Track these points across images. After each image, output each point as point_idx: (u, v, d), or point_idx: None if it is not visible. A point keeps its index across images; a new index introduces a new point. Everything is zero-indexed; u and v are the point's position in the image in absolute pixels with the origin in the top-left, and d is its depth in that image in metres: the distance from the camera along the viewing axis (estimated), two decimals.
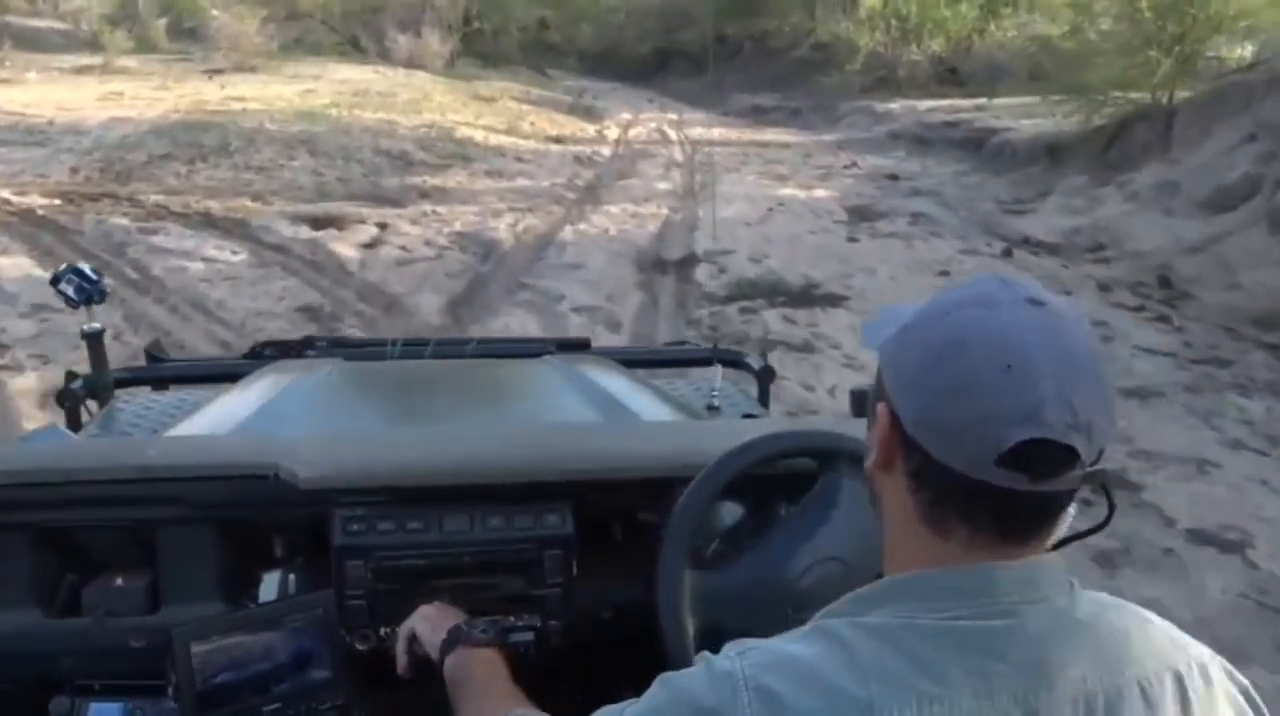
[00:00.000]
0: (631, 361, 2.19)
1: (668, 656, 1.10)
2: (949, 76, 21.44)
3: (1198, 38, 10.67)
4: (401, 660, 1.19)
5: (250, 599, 1.26)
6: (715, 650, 0.81)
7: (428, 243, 8.33)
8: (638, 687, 0.86)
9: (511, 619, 1.25)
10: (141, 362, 2.28)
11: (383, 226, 8.77)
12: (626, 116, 22.41)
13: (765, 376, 2.22)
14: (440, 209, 9.70)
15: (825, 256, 8.51)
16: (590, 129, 19.13)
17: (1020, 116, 15.77)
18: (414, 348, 2.06)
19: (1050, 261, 8.74)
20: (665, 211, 10.46)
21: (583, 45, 47.71)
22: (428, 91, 19.98)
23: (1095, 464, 0.73)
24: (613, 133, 18.79)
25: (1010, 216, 10.76)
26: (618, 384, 1.86)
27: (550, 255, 8.33)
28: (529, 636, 1.25)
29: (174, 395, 2.11)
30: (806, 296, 7.10)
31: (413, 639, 1.19)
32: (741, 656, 0.76)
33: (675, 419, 1.76)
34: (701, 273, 7.86)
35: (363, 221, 8.83)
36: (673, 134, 19.06)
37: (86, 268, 1.80)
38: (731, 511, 1.33)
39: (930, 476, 0.75)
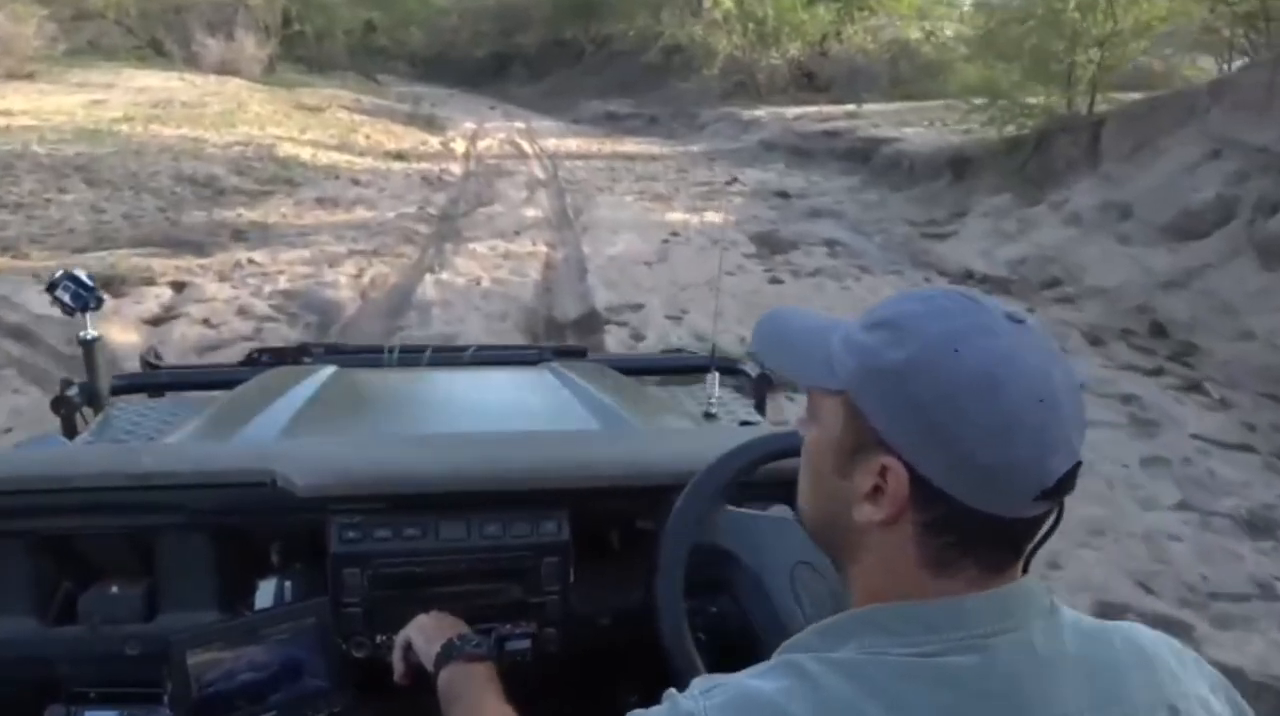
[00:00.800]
0: (629, 368, 2.13)
1: (675, 674, 1.04)
2: (806, 82, 20.30)
3: (1120, 42, 9.59)
4: (397, 669, 1.16)
5: (246, 606, 1.22)
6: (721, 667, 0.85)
7: (242, 311, 6.12)
8: (635, 693, 0.98)
9: (508, 626, 1.20)
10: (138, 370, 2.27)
11: (180, 287, 6.48)
12: (470, 126, 20.26)
13: (762, 384, 2.10)
14: (259, 256, 7.43)
15: (755, 308, 6.79)
16: (434, 142, 16.93)
17: (898, 124, 14.62)
18: (411, 354, 2.01)
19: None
20: (543, 248, 8.52)
21: (414, 49, 45.12)
22: (243, 101, 17.29)
23: None
24: (459, 146, 16.64)
25: (932, 241, 9.36)
26: (615, 391, 1.81)
27: (411, 321, 6.25)
28: (526, 644, 1.21)
29: (170, 402, 2.05)
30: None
31: (408, 648, 1.14)
32: (706, 695, 0.71)
33: (672, 426, 1.72)
34: (612, 340, 6.03)
35: (152, 280, 6.49)
36: (526, 146, 17.09)
37: (82, 273, 1.75)
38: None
39: (954, 523, 0.69)
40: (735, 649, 1.09)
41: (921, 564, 0.70)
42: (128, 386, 2.07)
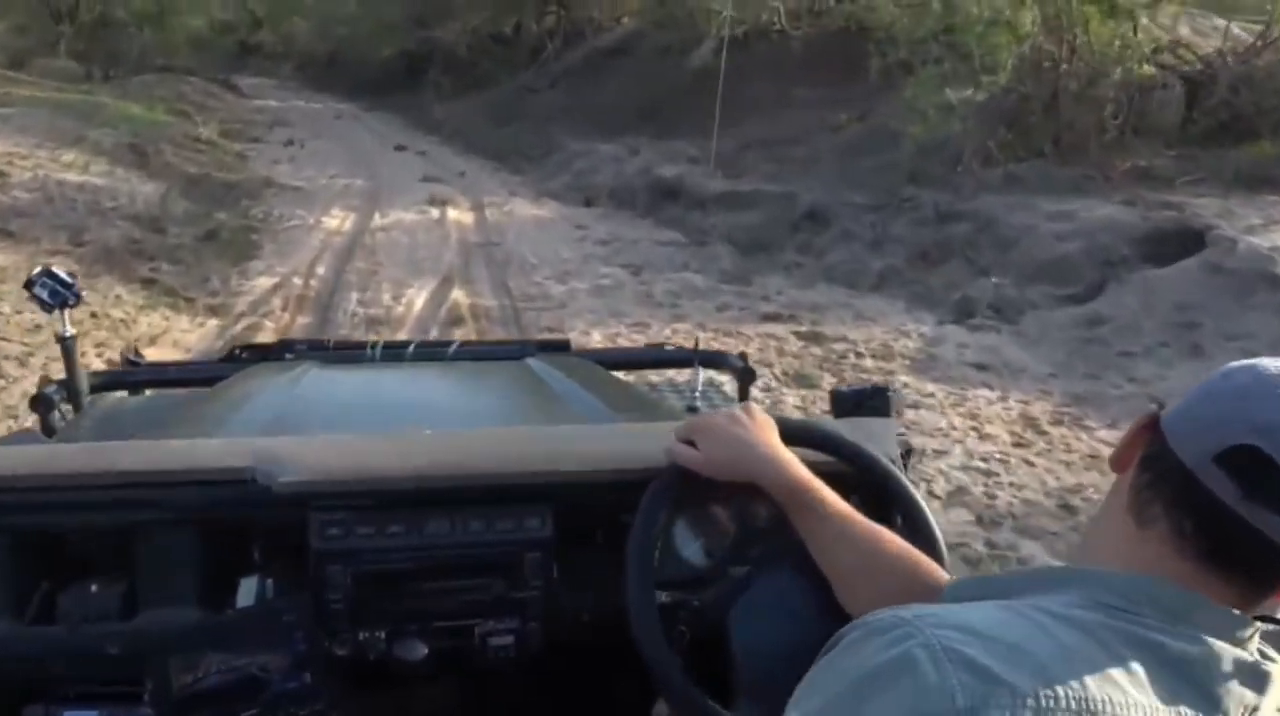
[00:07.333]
0: (613, 362, 1.91)
1: (663, 693, 0.93)
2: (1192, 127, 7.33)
3: None
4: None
5: (228, 604, 1.06)
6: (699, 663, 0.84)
7: None
8: (620, 689, 0.96)
9: (492, 622, 1.07)
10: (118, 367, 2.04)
11: None
12: (343, 222, 6.91)
13: (746, 377, 1.87)
14: None
15: None
16: None
17: None
18: (394, 350, 1.81)
19: None
20: None
21: (302, 48, 31.36)
22: None
23: None
24: None
25: None
26: (598, 385, 1.63)
27: None
28: (509, 640, 1.07)
29: (149, 399, 1.83)
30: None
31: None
32: (939, 631, 0.55)
33: (656, 420, 1.51)
34: None
35: None
36: None
37: (60, 271, 1.58)
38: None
39: (1156, 463, 0.63)
40: (711, 643, 0.95)
41: (1128, 507, 0.63)
42: (107, 384, 1.83)
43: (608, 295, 5.53)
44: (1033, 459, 3.36)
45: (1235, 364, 0.63)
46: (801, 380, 4.07)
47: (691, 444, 0.96)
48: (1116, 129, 7.02)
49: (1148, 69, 6.76)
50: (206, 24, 25.53)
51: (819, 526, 0.88)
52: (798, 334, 4.73)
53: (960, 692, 0.51)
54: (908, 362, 4.34)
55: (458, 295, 5.44)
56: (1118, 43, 7.03)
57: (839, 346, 4.53)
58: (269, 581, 1.06)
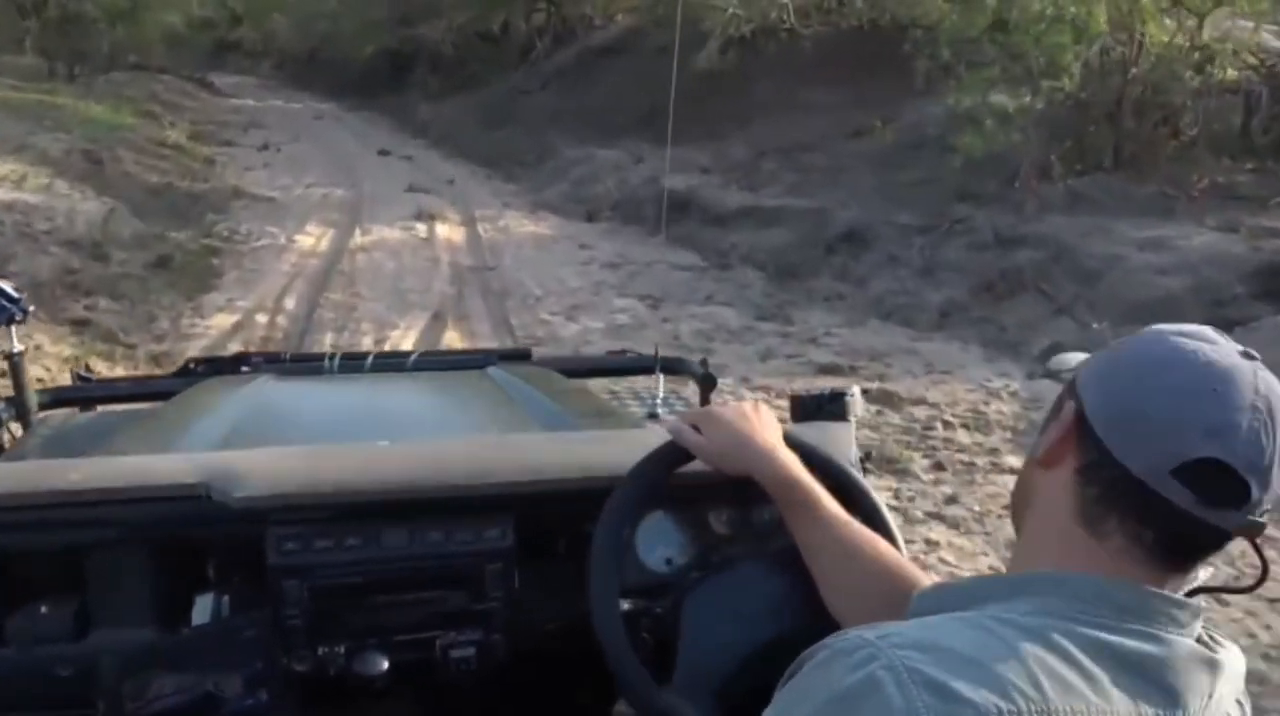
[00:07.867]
0: (574, 370, 1.89)
1: (629, 701, 0.90)
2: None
3: None
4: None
5: (183, 623, 1.04)
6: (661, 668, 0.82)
7: None
8: (583, 697, 0.94)
9: (452, 634, 1.04)
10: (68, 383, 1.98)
11: None
12: (319, 241, 5.99)
13: (707, 383, 1.85)
14: None
15: None
16: None
17: None
18: (353, 361, 1.76)
19: None
20: None
21: (282, 45, 30.48)
22: None
23: (1260, 515, 0.59)
24: None
25: None
26: (559, 393, 1.61)
27: None
28: (470, 651, 1.04)
29: (101, 416, 1.78)
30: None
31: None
32: (901, 651, 0.55)
33: (618, 427, 1.51)
34: None
35: None
36: None
37: (7, 285, 1.51)
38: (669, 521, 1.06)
39: (1101, 473, 0.61)
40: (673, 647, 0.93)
41: (1077, 517, 0.61)
42: (56, 401, 1.79)
43: (627, 337, 4.66)
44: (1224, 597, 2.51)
45: (1144, 344, 0.62)
46: (885, 462, 3.22)
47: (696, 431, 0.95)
48: (1189, 140, 6.22)
49: (1231, 73, 5.95)
50: (183, 20, 24.46)
51: (810, 526, 0.88)
52: (865, 393, 3.87)
53: (925, 713, 0.51)
54: (1009, 435, 3.50)
55: (452, 338, 4.57)
56: (1186, 43, 6.23)
57: (919, 412, 3.69)
58: (225, 598, 1.02)
